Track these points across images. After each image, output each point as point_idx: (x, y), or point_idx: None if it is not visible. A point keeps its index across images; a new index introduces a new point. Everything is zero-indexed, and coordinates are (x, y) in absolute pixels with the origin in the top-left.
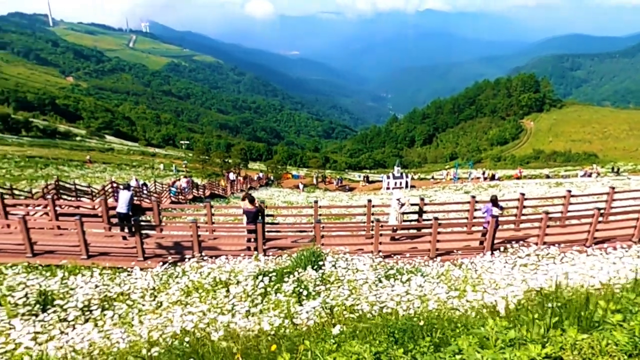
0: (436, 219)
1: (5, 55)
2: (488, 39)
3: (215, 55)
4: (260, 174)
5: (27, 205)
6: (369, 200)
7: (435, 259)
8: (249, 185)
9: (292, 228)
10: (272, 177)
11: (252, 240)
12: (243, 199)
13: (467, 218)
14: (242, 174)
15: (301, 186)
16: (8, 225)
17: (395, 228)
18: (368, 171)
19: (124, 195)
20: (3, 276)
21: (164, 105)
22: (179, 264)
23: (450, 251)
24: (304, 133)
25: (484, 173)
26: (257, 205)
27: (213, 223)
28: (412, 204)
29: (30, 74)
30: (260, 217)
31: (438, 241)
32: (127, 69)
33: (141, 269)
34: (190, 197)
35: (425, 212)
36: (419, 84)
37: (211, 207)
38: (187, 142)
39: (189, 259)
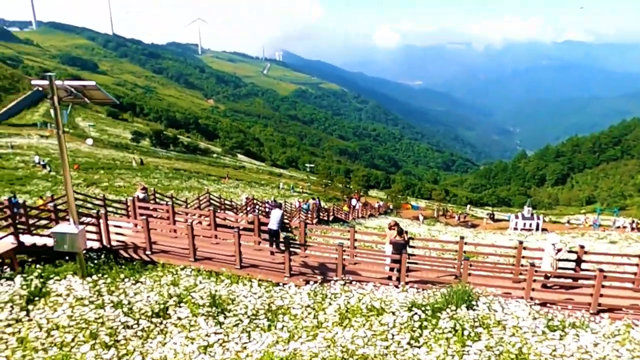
0: (601, 270)
1: (161, 79)
2: (637, 73)
3: (340, 84)
4: (380, 202)
5: (186, 214)
6: (520, 242)
7: (597, 315)
8: (369, 213)
9: (434, 261)
10: (391, 206)
11: (395, 270)
12: (390, 228)
13: (635, 273)
14: (362, 201)
15: (421, 218)
16: (175, 231)
17: (549, 275)
18: (491, 208)
19: (276, 214)
20: (178, 276)
21: (289, 128)
22: (325, 284)
23: (615, 308)
24: (422, 164)
25: (632, 222)
26: (405, 237)
27: (355, 248)
28: (568, 251)
29: (180, 96)
30: (405, 249)
31: (601, 295)
32: (259, 94)
33: (295, 285)
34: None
35: (584, 261)
36: (552, 119)
37: (355, 232)
38: (312, 165)
39: (334, 281)
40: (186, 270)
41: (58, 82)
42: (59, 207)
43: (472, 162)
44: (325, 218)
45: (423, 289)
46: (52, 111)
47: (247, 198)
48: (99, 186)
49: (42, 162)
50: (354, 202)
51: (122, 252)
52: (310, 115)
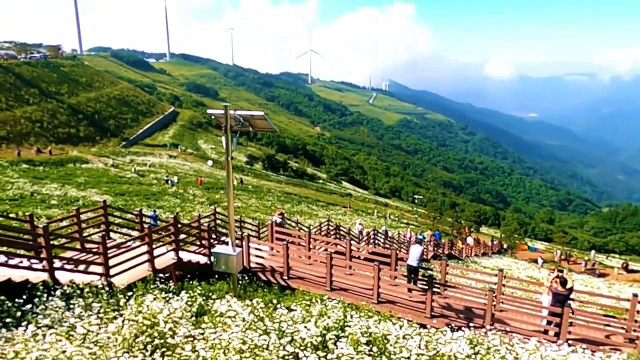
0: None
1: (273, 106)
2: None
3: (446, 114)
4: (494, 240)
5: (314, 240)
6: None
7: None
8: (482, 251)
9: (597, 318)
10: (505, 245)
11: (554, 324)
12: (553, 280)
13: None
14: (474, 237)
15: (540, 261)
16: (309, 257)
17: None
18: (618, 256)
19: (416, 249)
20: (325, 307)
21: (392, 158)
22: (476, 332)
23: None
24: (534, 201)
25: None
26: (567, 288)
27: (502, 294)
28: None
29: (289, 122)
30: (567, 301)
31: None
32: (364, 123)
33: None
34: (431, 254)
35: None
36: None
37: (503, 276)
38: (420, 197)
39: (488, 330)
40: (332, 301)
41: (231, 112)
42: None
43: (592, 202)
44: (440, 253)
45: (592, 351)
46: (223, 138)
47: (360, 225)
48: (220, 205)
49: (169, 180)
50: (469, 239)
51: (260, 274)
52: (414, 145)
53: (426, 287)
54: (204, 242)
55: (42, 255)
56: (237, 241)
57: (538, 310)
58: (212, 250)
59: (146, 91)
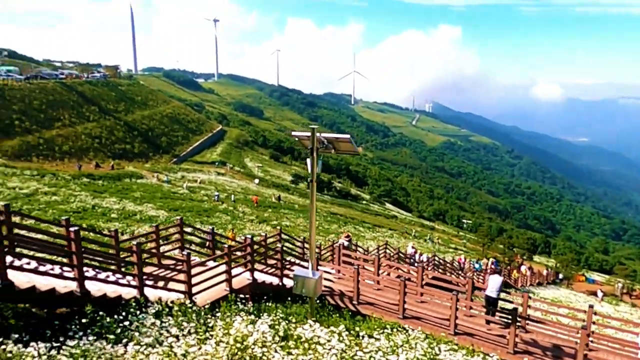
0: None
1: (316, 126)
2: None
3: (491, 137)
4: (549, 270)
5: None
6: None
7: None
8: (537, 280)
9: None
10: (560, 276)
11: None
12: None
13: None
14: (527, 265)
15: (600, 294)
16: (378, 282)
17: None
18: None
19: (495, 280)
20: (408, 336)
21: (435, 180)
22: None
23: None
24: (585, 229)
25: None
26: None
27: (592, 332)
28: None
29: None
30: None
31: None
32: (407, 144)
33: None
34: None
35: None
36: None
37: (594, 312)
38: (469, 221)
39: None
40: (414, 331)
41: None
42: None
43: None
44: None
45: None
46: (308, 160)
47: (413, 248)
48: (269, 224)
49: (217, 196)
50: (523, 268)
51: (328, 298)
52: (458, 168)
53: (505, 320)
54: (275, 263)
55: (132, 271)
56: (305, 262)
57: (634, 354)
58: (294, 273)
59: (195, 110)
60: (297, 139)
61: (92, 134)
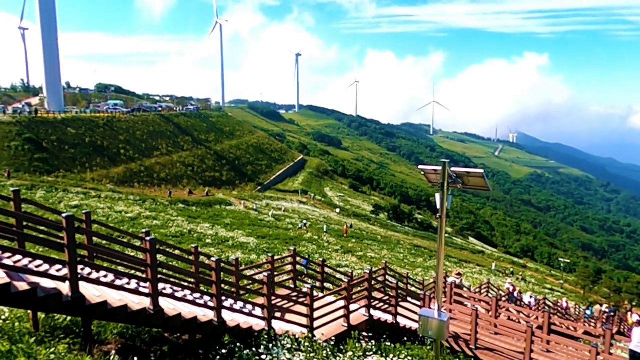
0: None
1: (394, 157)
2: None
3: (583, 169)
4: None
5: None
6: None
7: None
8: None
9: None
10: None
11: None
12: None
13: None
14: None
15: None
16: (495, 325)
17: None
18: None
19: None
20: None
21: (521, 214)
22: None
23: None
24: None
25: None
26: None
27: None
28: None
29: (410, 172)
30: None
31: None
32: (490, 176)
33: None
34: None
35: None
36: None
37: None
38: (567, 261)
39: None
40: None
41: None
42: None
43: None
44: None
45: None
46: (437, 195)
47: (511, 286)
48: (354, 255)
49: (304, 225)
50: (635, 317)
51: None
52: (546, 201)
53: None
54: (389, 299)
55: (258, 302)
56: (413, 299)
57: None
58: (420, 313)
59: (277, 140)
60: (422, 172)
61: (186, 162)
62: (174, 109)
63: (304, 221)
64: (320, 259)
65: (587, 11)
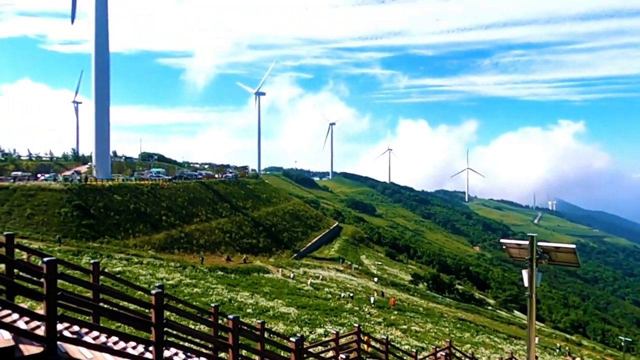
0: None
1: (429, 224)
2: None
3: (631, 238)
4: None
5: None
6: None
7: None
8: None
9: None
10: None
11: None
12: None
13: None
14: None
15: None
16: None
17: None
18: None
19: None
20: None
21: (567, 285)
22: None
23: None
24: None
25: None
26: None
27: None
28: None
29: (445, 240)
30: None
31: None
32: None
33: None
34: None
35: None
36: None
37: None
38: (628, 339)
39: None
40: None
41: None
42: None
43: None
44: None
45: None
46: (523, 272)
47: None
48: (398, 328)
49: (346, 295)
50: None
51: None
52: (593, 272)
53: None
54: None
55: None
56: None
57: None
58: None
59: (312, 206)
60: (504, 247)
61: (224, 228)
62: (214, 176)
63: (349, 293)
64: (383, 336)
65: (619, 79)
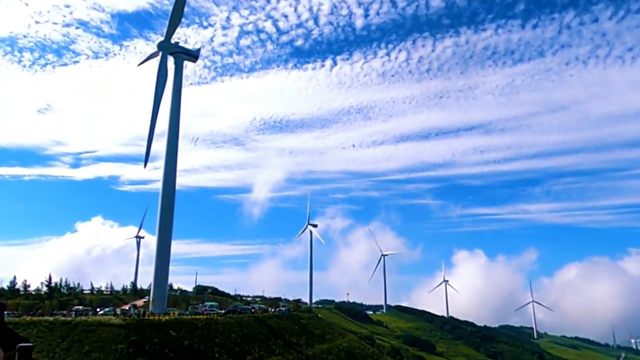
0: None
1: None
2: None
3: None
4: None
5: None
6: None
7: None
8: None
9: None
10: None
11: None
12: None
13: None
14: None
15: None
16: None
17: None
18: None
19: None
20: None
21: None
22: None
23: None
24: None
25: None
26: None
27: None
28: None
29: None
30: None
31: None
32: None
33: None
34: None
35: None
36: None
37: None
38: None
39: None
40: None
41: None
42: None
43: None
44: None
45: None
46: None
47: None
48: None
49: None
50: None
51: None
52: None
53: None
54: None
55: None
56: None
57: None
58: None
59: (367, 343)
60: None
61: None
62: (267, 310)
63: None
64: None
65: None
